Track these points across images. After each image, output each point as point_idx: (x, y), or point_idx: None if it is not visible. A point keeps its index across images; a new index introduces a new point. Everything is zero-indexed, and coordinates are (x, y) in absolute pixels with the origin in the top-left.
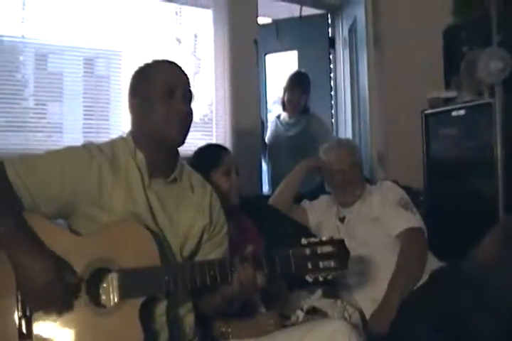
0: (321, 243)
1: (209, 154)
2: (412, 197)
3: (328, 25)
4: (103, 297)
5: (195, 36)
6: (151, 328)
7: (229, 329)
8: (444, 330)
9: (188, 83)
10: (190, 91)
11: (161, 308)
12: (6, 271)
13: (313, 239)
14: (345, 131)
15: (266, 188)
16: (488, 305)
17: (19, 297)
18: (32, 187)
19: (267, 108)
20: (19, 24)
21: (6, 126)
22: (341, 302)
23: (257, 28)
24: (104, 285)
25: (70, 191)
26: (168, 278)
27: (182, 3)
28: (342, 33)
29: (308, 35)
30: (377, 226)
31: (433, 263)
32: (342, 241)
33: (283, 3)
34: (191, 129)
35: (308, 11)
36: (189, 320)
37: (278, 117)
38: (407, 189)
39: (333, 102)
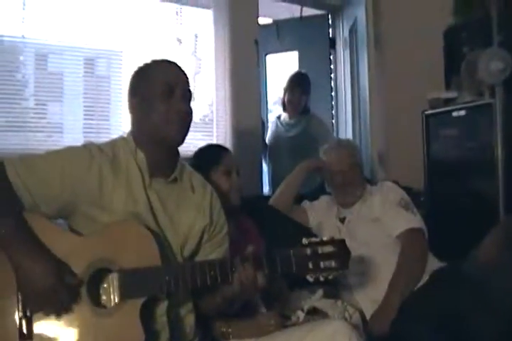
0: (322, 243)
1: (209, 154)
2: (412, 197)
3: (328, 26)
4: (104, 297)
5: (196, 36)
6: (152, 328)
7: (229, 330)
8: (444, 331)
9: (188, 83)
10: (189, 91)
11: (161, 308)
12: (6, 272)
13: (314, 239)
14: (346, 131)
15: (266, 189)
16: (489, 306)
17: (20, 297)
18: (32, 187)
19: (267, 108)
20: (19, 24)
21: (6, 126)
22: (342, 302)
23: (257, 28)
24: (105, 285)
25: (70, 191)
26: (168, 278)
27: (182, 4)
28: (342, 34)
29: (308, 35)
30: (378, 227)
31: (433, 264)
32: (343, 241)
33: (283, 4)
34: (192, 130)
35: (308, 11)
36: (190, 320)
37: (278, 118)
38: (408, 189)
39: (333, 103)
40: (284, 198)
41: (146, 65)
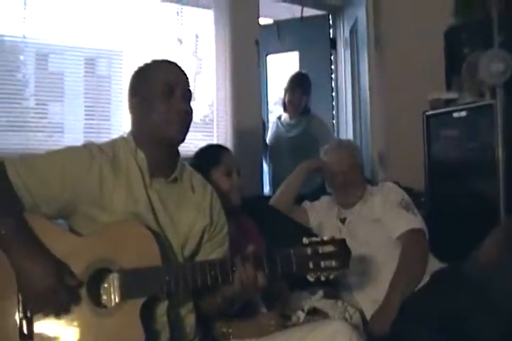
0: (323, 242)
1: (209, 154)
2: (413, 198)
3: (329, 26)
4: (104, 297)
5: (197, 36)
6: (152, 328)
7: (230, 330)
8: (444, 331)
9: (188, 82)
10: (189, 91)
11: (162, 308)
12: (6, 272)
13: (314, 239)
14: (346, 131)
15: (267, 189)
16: (489, 306)
17: (20, 298)
18: (32, 188)
19: (267, 109)
20: (20, 24)
21: (6, 126)
22: (342, 303)
23: (258, 28)
24: (105, 285)
25: (70, 191)
26: (169, 278)
27: (183, 4)
28: (343, 34)
29: (309, 35)
30: (379, 228)
31: (434, 265)
32: (343, 241)
33: (284, 4)
34: (192, 130)
35: (309, 11)
36: (190, 320)
37: (279, 118)
38: (408, 190)
39: (334, 103)
40: (284, 198)
41: (146, 65)
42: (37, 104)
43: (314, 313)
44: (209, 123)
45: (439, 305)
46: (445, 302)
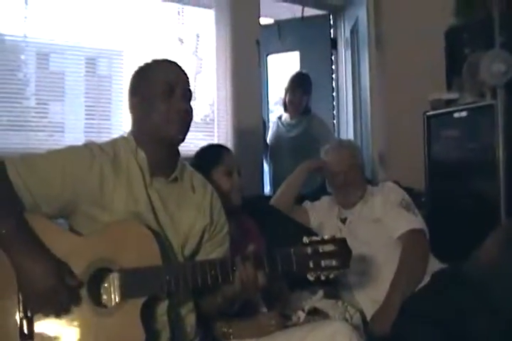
0: (323, 242)
1: (210, 154)
2: (413, 198)
3: (330, 26)
4: (104, 297)
5: (197, 36)
6: (153, 328)
7: (230, 330)
8: (445, 332)
9: (188, 82)
10: (189, 90)
11: (162, 308)
12: (7, 272)
13: (315, 238)
14: (347, 132)
15: (267, 189)
16: (490, 307)
17: (20, 298)
18: (33, 187)
19: (268, 108)
20: (21, 23)
21: (7, 125)
22: (342, 303)
23: (259, 28)
24: (106, 285)
25: (71, 190)
26: (169, 277)
27: (184, 3)
28: (344, 34)
29: (310, 35)
30: (379, 228)
31: (434, 265)
32: (344, 240)
33: (285, 4)
34: (193, 129)
35: (310, 11)
36: (190, 319)
37: (279, 118)
38: (409, 190)
39: (334, 103)
40: (285, 198)
41: (147, 65)
42: (38, 104)
43: (315, 313)
44: (209, 122)
45: (439, 306)
46: (446, 303)
